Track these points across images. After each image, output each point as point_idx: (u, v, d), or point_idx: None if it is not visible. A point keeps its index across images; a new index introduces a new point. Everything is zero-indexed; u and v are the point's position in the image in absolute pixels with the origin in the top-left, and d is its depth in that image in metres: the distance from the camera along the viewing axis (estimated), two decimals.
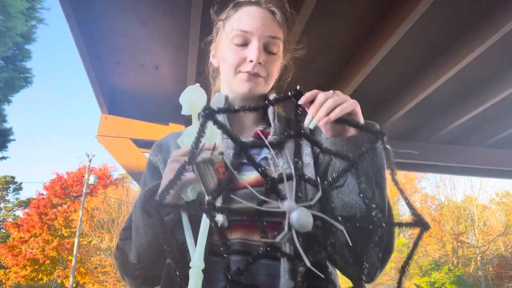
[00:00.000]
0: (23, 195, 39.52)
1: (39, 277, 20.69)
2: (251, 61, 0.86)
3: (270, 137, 0.88)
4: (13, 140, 10.50)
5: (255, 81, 0.88)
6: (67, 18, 1.92)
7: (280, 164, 0.80)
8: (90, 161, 20.62)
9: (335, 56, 2.43)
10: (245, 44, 0.87)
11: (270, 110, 0.95)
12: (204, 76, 2.97)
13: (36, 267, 20.35)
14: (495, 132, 3.33)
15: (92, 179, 19.92)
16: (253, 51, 0.86)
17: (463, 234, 22.26)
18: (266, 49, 0.88)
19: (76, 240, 18.09)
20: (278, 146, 0.56)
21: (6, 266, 20.60)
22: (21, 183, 27.91)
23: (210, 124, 0.48)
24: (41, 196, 22.27)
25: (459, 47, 2.19)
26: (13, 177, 27.57)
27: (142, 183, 0.94)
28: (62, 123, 63.50)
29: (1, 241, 22.42)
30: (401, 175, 23.29)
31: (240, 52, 0.88)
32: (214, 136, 0.69)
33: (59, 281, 21.22)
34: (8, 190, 27.42)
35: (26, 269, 20.17)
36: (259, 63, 0.87)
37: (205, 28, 2.10)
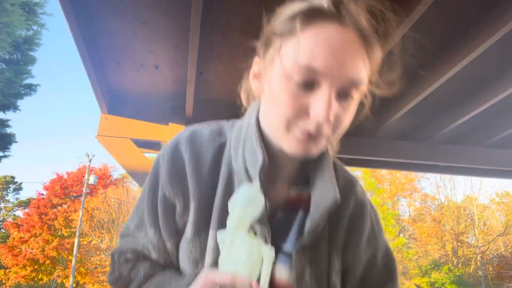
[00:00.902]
0: (23, 195, 39.55)
1: (39, 277, 20.70)
2: (315, 116, 0.58)
3: (308, 227, 0.66)
4: (15, 142, 10.57)
5: (316, 143, 0.61)
6: (67, 19, 1.92)
7: (306, 279, 0.65)
8: (90, 161, 20.63)
9: None
10: (310, 84, 0.58)
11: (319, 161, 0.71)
12: (204, 76, 2.98)
13: (36, 267, 20.36)
14: (495, 132, 3.33)
15: (92, 179, 19.93)
16: (321, 105, 0.57)
17: (463, 234, 22.27)
18: (341, 94, 0.59)
19: (76, 240, 18.09)
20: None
21: (6, 266, 20.61)
22: (21, 183, 27.93)
23: (256, 246, 0.51)
24: (41, 196, 22.28)
25: (459, 47, 2.19)
26: (13, 177, 27.58)
27: (147, 218, 0.72)
28: (62, 123, 63.52)
29: (1, 241, 22.42)
30: (401, 175, 23.30)
31: (300, 98, 0.58)
32: (259, 264, 0.59)
33: (59, 281, 21.22)
34: (8, 190, 27.43)
35: (26, 269, 20.18)
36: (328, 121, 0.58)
37: (205, 28, 2.11)
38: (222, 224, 0.65)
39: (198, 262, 0.67)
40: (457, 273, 20.16)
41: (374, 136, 3.33)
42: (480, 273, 21.32)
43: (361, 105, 0.69)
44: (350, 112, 0.62)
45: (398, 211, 23.42)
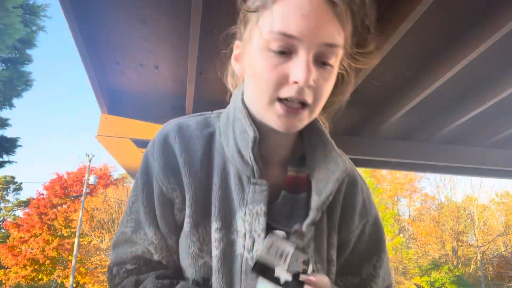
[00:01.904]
0: (23, 195, 39.56)
1: (39, 277, 20.70)
2: (296, 82, 0.58)
3: (311, 215, 0.66)
4: (20, 146, 10.63)
5: (297, 117, 0.62)
6: (68, 19, 1.92)
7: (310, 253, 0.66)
8: (90, 161, 20.64)
9: None
10: (287, 52, 0.59)
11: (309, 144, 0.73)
12: (204, 76, 2.99)
13: (36, 267, 20.36)
14: (495, 132, 3.33)
15: (92, 179, 19.93)
16: (299, 68, 0.58)
17: (463, 234, 22.27)
18: (319, 61, 0.60)
19: (76, 240, 18.09)
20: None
21: (6, 266, 20.61)
22: (21, 183, 27.93)
23: None
24: (41, 196, 22.29)
25: (459, 47, 2.19)
26: (13, 177, 27.58)
27: (144, 219, 0.70)
28: (62, 123, 63.53)
29: (1, 241, 22.43)
30: (401, 175, 23.30)
31: (279, 67, 0.59)
32: None
33: (59, 281, 21.23)
34: (8, 190, 27.43)
35: (26, 269, 20.18)
36: (309, 86, 0.59)
37: (205, 28, 2.11)
38: (224, 215, 0.66)
39: (197, 257, 0.66)
40: (457, 273, 20.16)
41: (374, 136, 3.33)
42: (480, 273, 21.33)
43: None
44: (330, 82, 0.63)
45: (398, 211, 23.42)
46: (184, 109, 2.85)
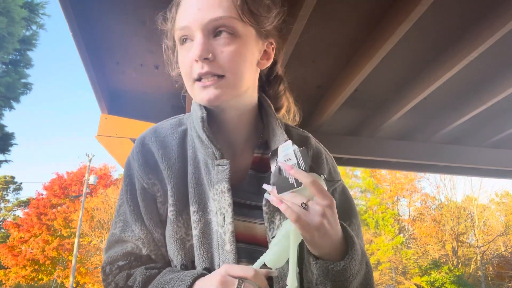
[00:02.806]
0: (23, 195, 39.55)
1: (39, 277, 20.70)
2: (196, 61, 0.68)
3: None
4: (15, 144, 10.64)
5: (216, 85, 0.69)
6: (68, 19, 1.92)
7: (276, 223, 0.71)
8: (90, 161, 20.64)
9: (335, 56, 2.43)
10: (188, 40, 0.71)
11: (270, 121, 0.80)
12: None
13: (36, 267, 20.35)
14: (495, 132, 3.33)
15: (92, 179, 19.93)
16: (194, 48, 0.68)
17: (463, 234, 22.26)
18: (214, 33, 0.69)
19: (76, 240, 18.09)
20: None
21: (6, 266, 20.60)
22: (21, 183, 27.95)
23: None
24: (41, 196, 22.28)
25: (459, 47, 2.19)
26: (13, 177, 27.58)
27: (130, 217, 0.76)
28: (62, 123, 63.53)
29: (1, 241, 22.42)
30: (401, 175, 23.29)
31: (187, 54, 0.71)
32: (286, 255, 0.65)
33: (59, 281, 21.23)
34: (8, 190, 27.43)
35: (26, 269, 20.18)
36: (206, 59, 0.67)
37: None
38: (199, 198, 0.73)
39: (184, 240, 0.72)
40: (457, 273, 20.15)
41: (374, 136, 3.33)
42: (480, 273, 21.32)
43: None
44: (234, 46, 0.69)
45: (398, 211, 23.41)
46: (184, 109, 2.85)
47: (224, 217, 0.69)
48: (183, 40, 0.71)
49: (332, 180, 0.83)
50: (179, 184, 0.74)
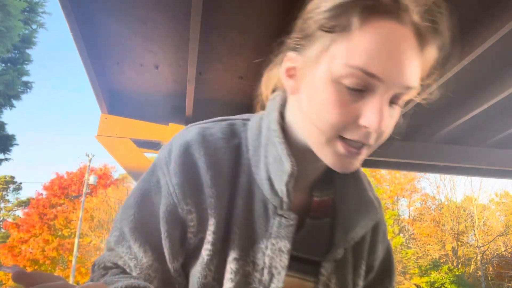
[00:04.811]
0: (23, 195, 39.57)
1: None
2: (366, 127, 0.51)
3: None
4: (16, 144, 10.66)
5: (358, 157, 0.56)
6: (67, 19, 1.92)
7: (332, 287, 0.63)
8: (90, 161, 20.64)
9: None
10: (361, 90, 0.51)
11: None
12: (204, 76, 2.98)
13: (36, 267, 20.34)
14: (495, 132, 3.33)
15: (92, 179, 19.94)
16: (373, 113, 0.50)
17: (463, 234, 22.27)
18: (391, 101, 0.54)
19: (76, 240, 18.10)
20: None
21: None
22: (21, 183, 27.94)
23: None
24: (40, 196, 22.29)
25: (458, 47, 2.19)
26: (13, 177, 27.58)
27: (130, 232, 0.59)
28: (62, 123, 63.54)
29: (1, 241, 22.42)
30: (401, 175, 23.30)
31: (349, 105, 0.51)
32: None
33: None
34: (8, 190, 27.43)
35: (26, 269, 20.11)
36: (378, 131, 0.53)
37: (205, 28, 2.11)
38: (244, 245, 0.59)
39: (210, 286, 0.60)
40: (457, 273, 20.16)
41: None
42: (480, 273, 21.33)
43: None
44: (395, 120, 0.58)
45: (398, 211, 23.41)
46: (184, 109, 2.85)
47: (272, 278, 0.58)
48: (354, 82, 0.50)
49: (385, 240, 0.75)
50: (222, 219, 0.59)
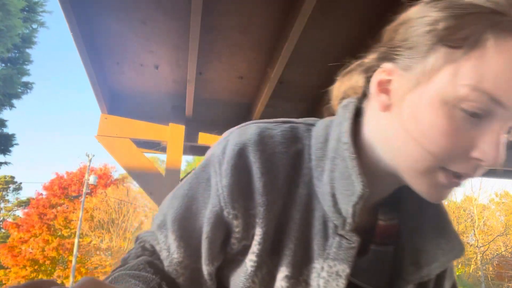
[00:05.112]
0: (23, 195, 39.59)
1: (39, 277, 20.70)
2: (479, 160, 0.45)
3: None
4: (16, 144, 10.67)
5: (456, 186, 0.49)
6: (67, 19, 1.92)
7: None
8: (90, 161, 20.64)
9: (335, 56, 2.43)
10: (480, 115, 0.44)
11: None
12: (204, 76, 2.98)
13: (36, 267, 20.37)
14: None
15: (92, 179, 19.94)
16: (492, 146, 0.44)
17: (463, 234, 22.27)
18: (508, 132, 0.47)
19: (76, 240, 18.10)
20: None
21: (6, 266, 20.62)
22: (21, 183, 27.94)
23: None
24: (40, 196, 22.30)
25: None
26: (13, 177, 27.58)
27: (173, 223, 0.56)
28: (62, 123, 63.55)
29: (1, 241, 22.43)
30: None
31: (464, 133, 0.44)
32: None
33: (59, 281, 21.22)
34: (8, 190, 27.43)
35: (26, 269, 20.19)
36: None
37: (205, 28, 2.11)
38: (298, 262, 0.54)
39: None
40: (457, 273, 20.17)
41: None
42: (480, 273, 21.33)
43: None
44: None
45: None
46: (184, 109, 2.85)
47: None
48: (474, 106, 0.43)
49: (452, 268, 0.66)
50: (273, 231, 0.54)
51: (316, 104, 2.94)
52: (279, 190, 0.53)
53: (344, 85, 0.63)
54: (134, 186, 22.30)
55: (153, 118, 2.94)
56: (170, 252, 0.56)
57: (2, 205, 27.07)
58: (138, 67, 2.53)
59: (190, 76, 2.39)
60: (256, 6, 1.98)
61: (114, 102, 2.88)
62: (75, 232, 19.06)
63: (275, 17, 2.04)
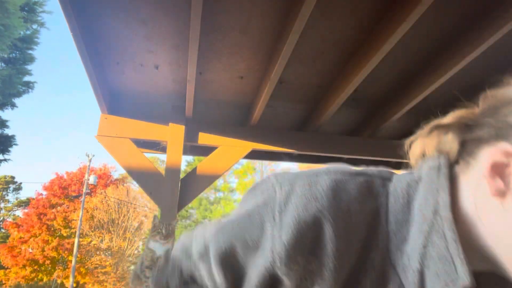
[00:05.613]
0: (23, 195, 39.57)
1: (39, 277, 20.70)
2: None
3: None
4: (16, 144, 10.67)
5: None
6: (67, 19, 1.92)
7: None
8: (90, 161, 20.64)
9: (335, 56, 2.43)
10: None
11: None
12: (204, 76, 2.98)
13: (36, 267, 20.36)
14: None
15: (92, 179, 19.94)
16: None
17: None
18: None
19: (76, 240, 18.10)
20: None
21: (6, 266, 20.61)
22: (21, 183, 27.93)
23: None
24: (40, 196, 22.29)
25: (459, 47, 2.19)
26: (13, 177, 27.57)
27: (219, 265, 0.54)
28: (62, 123, 63.51)
29: (1, 241, 22.42)
30: None
31: None
32: None
33: (59, 281, 21.22)
34: (8, 190, 27.43)
35: (26, 269, 20.18)
36: None
37: (205, 28, 2.11)
38: None
39: None
40: None
41: (374, 136, 3.33)
42: None
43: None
44: None
45: None
46: (184, 109, 2.85)
47: None
48: None
49: None
50: None
51: (316, 104, 2.94)
52: (351, 254, 0.47)
53: (429, 144, 0.56)
54: (134, 186, 22.31)
55: (153, 118, 2.93)
56: (216, 284, 0.53)
57: (2, 205, 27.06)
58: (138, 67, 2.53)
59: (190, 76, 2.38)
60: (256, 6, 1.98)
61: (114, 102, 2.88)
62: (75, 232, 19.05)
63: (275, 17, 2.04)
